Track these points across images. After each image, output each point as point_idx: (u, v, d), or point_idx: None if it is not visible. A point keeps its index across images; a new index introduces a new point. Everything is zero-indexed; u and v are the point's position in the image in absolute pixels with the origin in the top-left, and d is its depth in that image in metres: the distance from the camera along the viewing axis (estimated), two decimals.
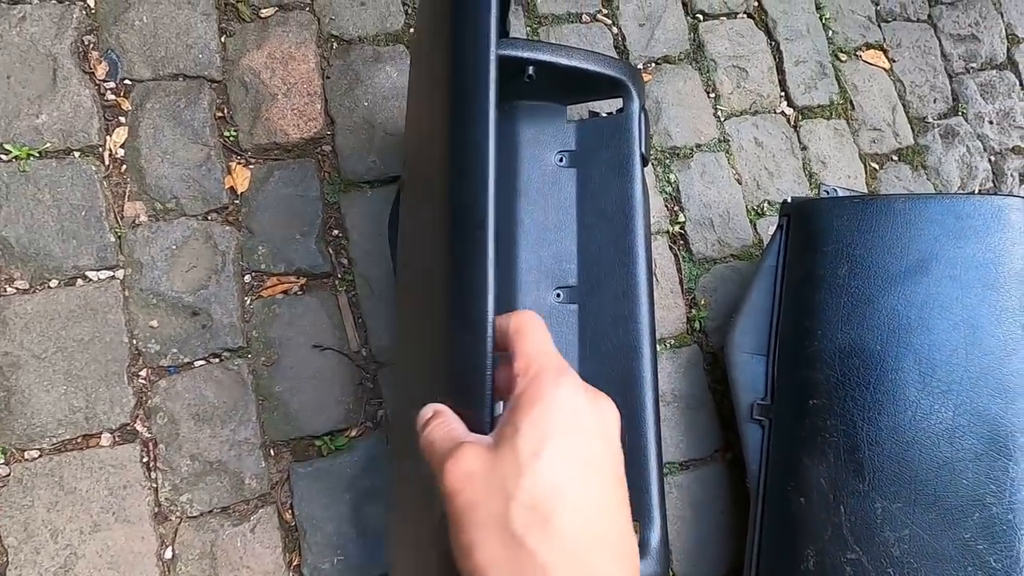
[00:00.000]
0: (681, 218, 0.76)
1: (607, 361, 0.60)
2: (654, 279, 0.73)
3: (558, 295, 0.63)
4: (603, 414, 0.28)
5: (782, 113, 0.84)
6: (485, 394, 0.29)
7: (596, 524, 0.25)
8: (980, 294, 0.52)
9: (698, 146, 0.79)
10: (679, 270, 0.74)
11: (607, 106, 0.67)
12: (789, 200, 0.65)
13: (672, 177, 0.77)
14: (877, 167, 0.87)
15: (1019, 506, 0.47)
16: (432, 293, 0.37)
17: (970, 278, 0.53)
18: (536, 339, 0.29)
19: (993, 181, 0.91)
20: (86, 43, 0.64)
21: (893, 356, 0.53)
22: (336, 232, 0.65)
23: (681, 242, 0.75)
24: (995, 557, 0.45)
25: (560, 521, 0.24)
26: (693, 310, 0.73)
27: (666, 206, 0.76)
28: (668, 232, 0.75)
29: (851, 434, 0.53)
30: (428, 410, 0.30)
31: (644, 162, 0.65)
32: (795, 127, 0.84)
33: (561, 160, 0.66)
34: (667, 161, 0.77)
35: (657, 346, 0.64)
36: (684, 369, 0.70)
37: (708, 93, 0.81)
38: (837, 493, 0.51)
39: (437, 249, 0.36)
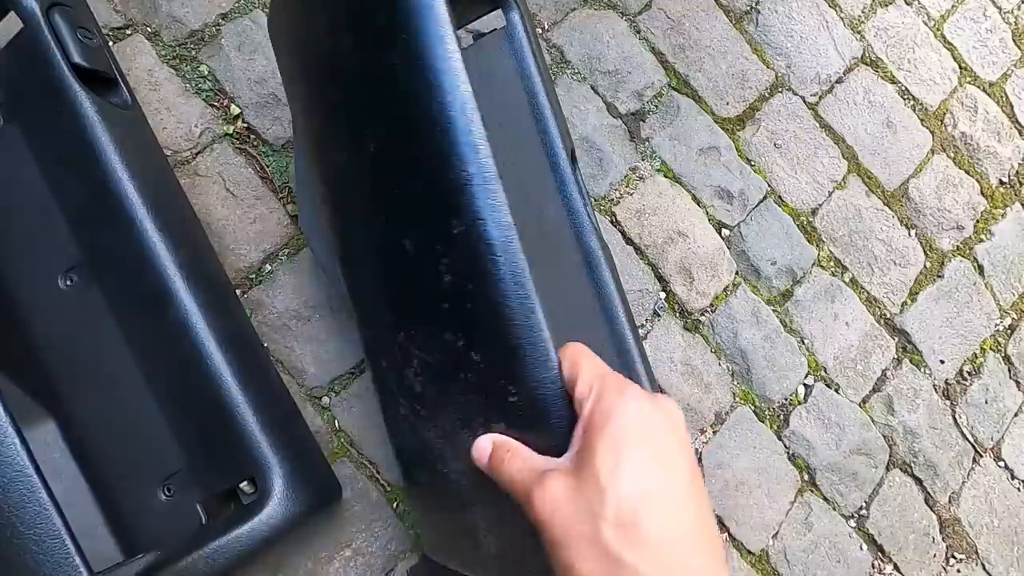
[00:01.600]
0: (235, 110, 0.62)
1: (146, 322, 0.49)
2: (229, 194, 0.60)
3: (69, 280, 0.50)
4: (670, 414, 0.30)
5: None
6: (566, 423, 0.31)
7: (681, 526, 0.27)
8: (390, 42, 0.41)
9: (223, 16, 0.64)
10: (262, 167, 0.62)
11: None
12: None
13: (204, 68, 0.62)
14: None
15: (472, 273, 0.38)
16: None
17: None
18: (590, 364, 0.32)
19: None
20: None
21: (355, 157, 0.43)
22: None
23: (251, 136, 0.62)
24: (467, 342, 0.36)
25: (648, 533, 0.27)
26: (291, 205, 0.61)
27: (211, 105, 0.62)
28: (228, 134, 0.61)
29: (364, 276, 0.44)
30: (486, 444, 0.33)
31: (85, 74, 0.50)
32: None
33: None
34: (190, 53, 0.62)
35: (197, 276, 0.51)
36: (308, 275, 0.60)
37: None
38: (378, 348, 0.44)
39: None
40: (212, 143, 0.61)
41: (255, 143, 0.62)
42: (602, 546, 0.26)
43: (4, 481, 0.33)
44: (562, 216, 0.51)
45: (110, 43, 0.58)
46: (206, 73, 0.62)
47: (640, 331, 0.68)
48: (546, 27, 0.73)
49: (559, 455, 0.31)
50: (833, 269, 0.77)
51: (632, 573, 0.26)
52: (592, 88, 0.73)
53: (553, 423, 0.32)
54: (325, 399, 0.59)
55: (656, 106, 0.74)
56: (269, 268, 0.60)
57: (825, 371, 0.74)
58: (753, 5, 0.81)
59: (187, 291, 0.48)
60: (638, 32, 0.76)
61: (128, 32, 0.61)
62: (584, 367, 0.31)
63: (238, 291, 0.58)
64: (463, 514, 0.38)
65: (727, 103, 0.77)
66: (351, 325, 0.59)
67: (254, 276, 0.59)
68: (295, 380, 0.58)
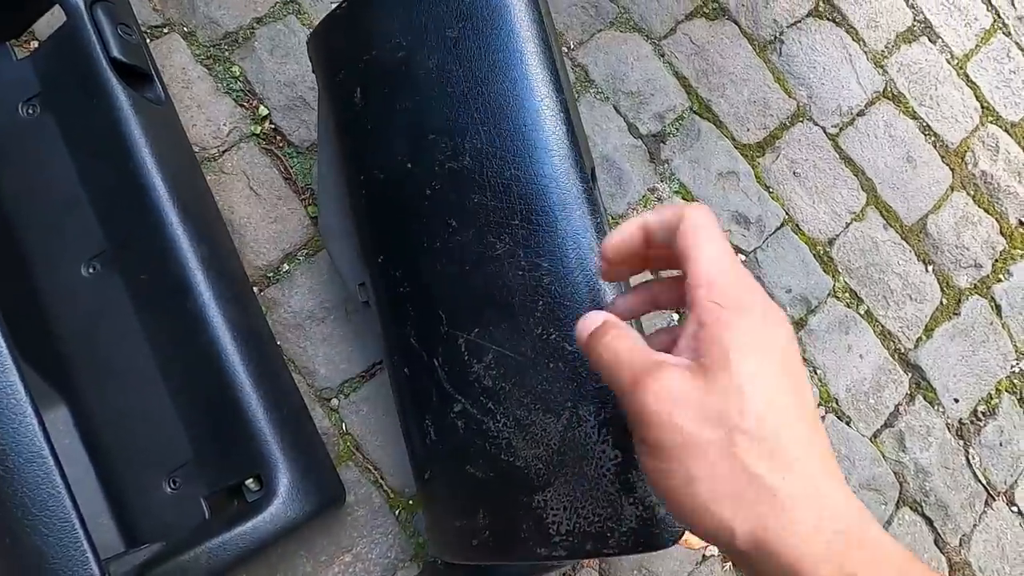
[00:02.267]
0: (263, 111, 0.63)
1: (164, 313, 0.49)
2: (253, 192, 0.61)
3: (92, 268, 0.51)
4: (790, 330, 0.26)
5: None
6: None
7: (817, 450, 0.23)
8: (479, 55, 0.42)
9: (258, 20, 0.65)
10: (286, 168, 0.63)
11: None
12: (308, 36, 0.53)
13: (236, 69, 0.63)
14: None
15: (567, 272, 0.39)
16: None
17: (465, 41, 0.43)
18: (713, 247, 0.25)
19: None
20: None
21: (420, 165, 0.43)
22: None
23: (277, 137, 0.63)
24: (561, 335, 0.38)
25: (791, 453, 0.22)
26: (312, 207, 0.62)
27: (241, 105, 0.63)
28: (255, 134, 0.62)
29: (417, 277, 0.44)
30: (597, 318, 0.28)
31: (122, 68, 0.51)
32: None
33: (31, 111, 0.53)
34: (223, 54, 0.64)
35: (233, 275, 0.53)
36: (325, 277, 0.60)
37: None
38: (428, 348, 0.43)
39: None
40: (239, 142, 0.62)
41: (281, 144, 0.63)
42: (738, 459, 0.22)
43: (20, 462, 0.33)
44: None
45: (148, 40, 0.60)
46: (238, 74, 0.63)
47: None
48: (571, 46, 0.74)
49: None
50: (848, 300, 0.76)
51: (770, 495, 0.22)
52: (615, 108, 0.73)
53: None
54: (334, 401, 0.59)
55: (677, 129, 0.75)
56: (287, 268, 0.60)
57: (836, 403, 0.73)
58: (777, 35, 0.82)
59: (206, 285, 0.49)
60: (662, 55, 0.77)
61: (165, 31, 0.63)
62: (706, 246, 0.25)
63: (255, 288, 0.58)
64: (529, 499, 0.38)
65: (748, 129, 0.77)
66: (365, 329, 0.59)
67: (272, 274, 0.60)
68: (305, 380, 0.58)
